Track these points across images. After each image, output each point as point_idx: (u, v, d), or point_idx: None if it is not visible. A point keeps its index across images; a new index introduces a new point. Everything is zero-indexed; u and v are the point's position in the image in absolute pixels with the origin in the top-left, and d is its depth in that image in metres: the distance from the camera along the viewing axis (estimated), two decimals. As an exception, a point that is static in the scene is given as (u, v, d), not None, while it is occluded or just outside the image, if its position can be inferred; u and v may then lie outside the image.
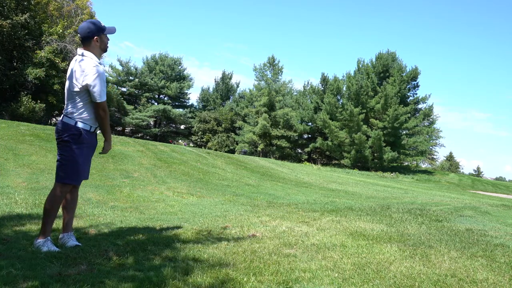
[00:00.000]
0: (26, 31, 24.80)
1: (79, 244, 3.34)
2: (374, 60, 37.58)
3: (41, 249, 3.11)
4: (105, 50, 3.43)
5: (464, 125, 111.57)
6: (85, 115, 3.29)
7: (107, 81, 40.92)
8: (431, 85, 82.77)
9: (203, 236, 3.97)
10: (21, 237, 3.52)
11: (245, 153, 39.57)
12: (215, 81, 56.36)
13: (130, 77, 48.61)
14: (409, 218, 5.75)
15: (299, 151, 44.67)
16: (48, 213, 3.25)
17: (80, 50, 3.33)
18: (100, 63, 3.32)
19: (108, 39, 3.42)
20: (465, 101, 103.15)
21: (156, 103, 49.90)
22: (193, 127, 48.97)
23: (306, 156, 42.40)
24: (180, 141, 51.89)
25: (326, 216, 5.62)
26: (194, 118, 49.63)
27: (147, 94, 49.36)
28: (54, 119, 34.27)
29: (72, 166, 3.26)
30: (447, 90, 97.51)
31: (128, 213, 5.34)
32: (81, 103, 3.27)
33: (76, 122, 3.26)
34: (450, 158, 66.99)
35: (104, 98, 3.28)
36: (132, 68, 49.06)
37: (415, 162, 39.49)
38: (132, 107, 47.26)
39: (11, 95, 25.33)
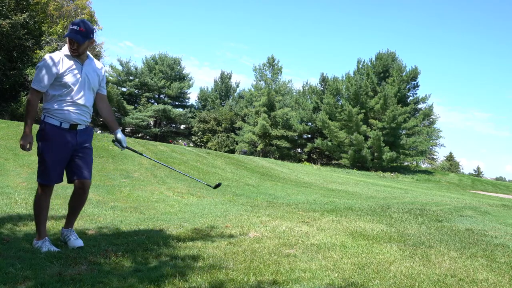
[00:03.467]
0: (26, 31, 24.80)
1: (81, 244, 3.26)
2: (374, 60, 37.58)
3: (41, 249, 3.11)
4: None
5: (465, 125, 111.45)
6: (51, 108, 3.17)
7: (107, 81, 40.89)
8: (432, 85, 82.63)
9: (203, 236, 3.97)
10: (21, 237, 3.52)
11: (245, 153, 39.58)
12: (214, 81, 56.42)
13: (130, 77, 48.61)
14: (409, 218, 5.75)
15: (299, 151, 44.69)
16: (36, 213, 3.23)
17: None
18: (64, 53, 3.18)
19: (70, 44, 3.16)
20: (466, 101, 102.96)
21: (156, 103, 49.91)
22: (193, 127, 48.98)
23: (306, 156, 42.40)
24: (180, 141, 51.90)
25: (326, 216, 5.62)
26: (194, 118, 49.65)
27: (147, 94, 49.38)
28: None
29: (41, 164, 3.18)
30: (447, 90, 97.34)
31: (128, 213, 5.34)
32: (49, 96, 3.18)
33: (44, 117, 3.19)
34: (450, 158, 66.94)
35: (34, 85, 3.12)
36: (132, 68, 49.09)
37: (415, 162, 39.47)
38: (132, 107, 47.27)
39: (11, 95, 25.33)
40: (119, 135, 3.47)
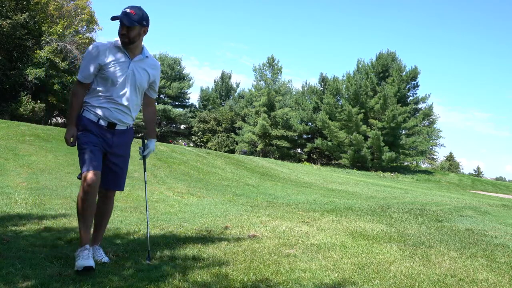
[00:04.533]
0: (26, 31, 24.80)
1: (106, 260, 2.89)
2: (374, 60, 37.62)
3: (76, 262, 2.65)
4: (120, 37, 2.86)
5: (465, 125, 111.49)
6: (90, 103, 2.86)
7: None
8: (432, 85, 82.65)
9: (203, 236, 3.97)
10: (21, 237, 3.52)
11: (245, 153, 39.60)
12: (215, 81, 56.47)
13: (130, 77, 48.65)
14: (409, 218, 5.75)
15: (299, 151, 44.72)
16: (78, 214, 2.80)
17: None
18: (113, 43, 2.87)
19: (120, 28, 2.83)
20: (466, 101, 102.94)
21: (156, 103, 49.96)
22: (193, 127, 48.99)
23: (306, 156, 42.43)
24: (180, 141, 51.91)
25: (326, 216, 5.62)
26: (194, 118, 49.68)
27: (147, 94, 49.41)
28: (54, 119, 34.27)
29: (81, 154, 2.81)
30: (447, 90, 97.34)
31: (128, 213, 5.34)
32: (90, 89, 2.89)
33: (83, 111, 2.87)
34: (450, 158, 66.97)
35: (78, 75, 2.87)
36: (132, 68, 49.12)
37: (415, 162, 39.51)
38: (132, 107, 47.29)
39: (11, 95, 25.34)
40: (152, 145, 3.16)
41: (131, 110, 2.96)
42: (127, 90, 2.88)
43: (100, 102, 2.85)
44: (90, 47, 2.86)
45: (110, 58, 2.82)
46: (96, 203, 2.89)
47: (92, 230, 2.98)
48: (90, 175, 2.74)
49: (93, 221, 2.95)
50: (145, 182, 3.42)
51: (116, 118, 2.89)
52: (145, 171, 3.32)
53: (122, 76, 2.84)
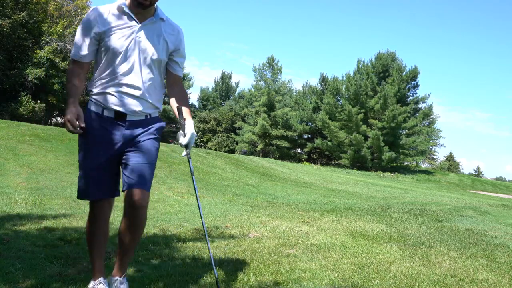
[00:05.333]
0: (26, 30, 24.82)
1: None
2: (373, 60, 37.64)
3: None
4: None
5: (465, 125, 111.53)
6: (93, 90, 2.16)
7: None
8: (432, 85, 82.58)
9: (203, 236, 3.97)
10: (21, 237, 3.51)
11: (244, 153, 39.62)
12: (215, 81, 56.51)
13: (130, 77, 48.70)
14: (409, 218, 5.76)
15: (299, 151, 44.76)
16: (87, 243, 2.31)
17: None
18: (116, 6, 2.12)
19: None
20: (466, 101, 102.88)
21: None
22: (193, 127, 49.06)
23: (306, 156, 42.46)
24: (180, 141, 51.98)
25: (326, 216, 5.62)
26: (194, 118, 49.74)
27: (146, 94, 49.50)
28: (54, 119, 34.26)
29: (79, 171, 2.21)
30: (447, 90, 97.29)
31: (128, 213, 5.33)
32: (94, 72, 2.21)
33: (87, 103, 2.21)
34: (450, 158, 67.00)
35: (72, 53, 2.13)
36: (131, 68, 49.18)
37: (415, 162, 39.53)
38: (131, 107, 47.34)
39: (11, 95, 25.34)
40: (191, 127, 2.39)
41: (146, 93, 2.18)
42: (137, 65, 2.13)
43: (103, 87, 2.13)
44: (88, 12, 2.13)
45: (111, 23, 2.09)
46: (107, 230, 2.32)
47: (108, 257, 2.46)
48: (95, 208, 2.22)
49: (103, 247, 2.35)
50: (196, 192, 2.44)
51: (125, 107, 2.13)
52: (192, 174, 2.44)
53: (128, 45, 2.10)
